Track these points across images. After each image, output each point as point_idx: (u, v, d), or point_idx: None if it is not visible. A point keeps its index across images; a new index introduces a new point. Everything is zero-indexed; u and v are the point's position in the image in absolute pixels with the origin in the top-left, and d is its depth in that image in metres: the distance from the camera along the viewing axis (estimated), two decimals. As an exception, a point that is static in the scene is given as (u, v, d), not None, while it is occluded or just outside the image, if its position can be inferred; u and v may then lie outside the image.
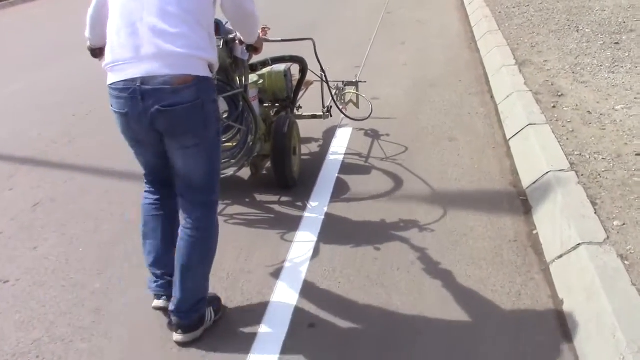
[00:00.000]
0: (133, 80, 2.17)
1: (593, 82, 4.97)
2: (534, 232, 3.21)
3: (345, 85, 4.72)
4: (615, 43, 5.93)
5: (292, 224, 3.47)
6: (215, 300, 2.67)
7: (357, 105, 4.79)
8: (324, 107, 4.44)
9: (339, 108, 4.55)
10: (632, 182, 3.32)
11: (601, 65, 5.33)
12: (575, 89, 4.84)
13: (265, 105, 4.02)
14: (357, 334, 2.54)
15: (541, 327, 2.52)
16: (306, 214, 3.58)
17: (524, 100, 4.72)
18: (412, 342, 2.47)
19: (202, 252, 2.45)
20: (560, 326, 2.51)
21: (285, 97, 4.06)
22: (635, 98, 4.50)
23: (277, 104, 4.11)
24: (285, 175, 3.74)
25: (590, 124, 4.15)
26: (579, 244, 2.79)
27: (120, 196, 3.94)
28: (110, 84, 2.25)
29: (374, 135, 4.71)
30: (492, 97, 5.30)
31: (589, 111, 4.36)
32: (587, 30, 6.56)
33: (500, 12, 8.08)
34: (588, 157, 3.66)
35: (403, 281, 2.88)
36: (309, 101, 4.73)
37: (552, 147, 3.83)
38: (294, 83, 4.16)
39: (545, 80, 5.12)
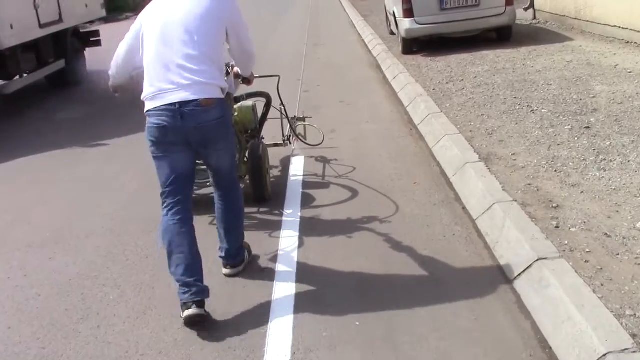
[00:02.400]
0: (173, 104, 3.05)
1: (586, 184, 4.03)
2: None
3: (296, 120, 5.48)
4: (586, 127, 5.09)
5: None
6: (247, 247, 3.69)
7: (304, 137, 5.49)
8: (284, 136, 5.31)
9: (297, 136, 5.34)
10: None
11: (585, 160, 4.43)
12: (570, 197, 3.87)
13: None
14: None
15: None
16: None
17: (513, 216, 3.68)
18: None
19: (236, 213, 3.53)
20: None
21: (253, 128, 4.76)
22: (654, 209, 3.57)
23: (245, 135, 4.70)
24: (262, 190, 4.51)
25: (617, 255, 3.14)
26: None
27: None
28: (151, 109, 3.10)
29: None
30: (463, 208, 4.22)
31: (606, 233, 3.37)
32: (543, 110, 5.75)
33: (434, 89, 7.21)
34: (647, 319, 2.60)
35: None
36: (264, 132, 5.11)
37: (590, 303, 2.75)
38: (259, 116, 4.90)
39: (526, 184, 4.13)
